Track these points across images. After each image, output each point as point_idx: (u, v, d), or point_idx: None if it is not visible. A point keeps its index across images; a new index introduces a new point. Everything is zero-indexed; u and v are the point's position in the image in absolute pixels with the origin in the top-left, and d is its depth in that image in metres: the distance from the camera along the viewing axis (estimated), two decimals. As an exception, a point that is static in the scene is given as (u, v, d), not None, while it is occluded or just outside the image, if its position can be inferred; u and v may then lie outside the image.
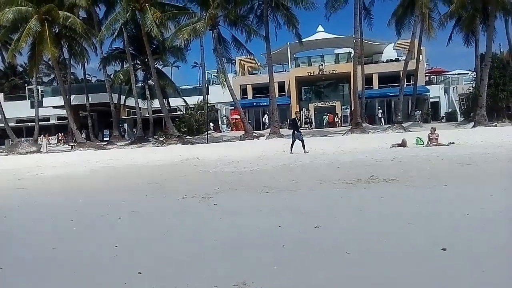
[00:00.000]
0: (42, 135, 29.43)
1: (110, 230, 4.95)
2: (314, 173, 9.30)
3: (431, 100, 38.71)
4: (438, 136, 15.65)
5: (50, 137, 35.57)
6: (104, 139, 36.82)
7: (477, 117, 23.45)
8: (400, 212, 4.98)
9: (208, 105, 33.81)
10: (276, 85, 29.86)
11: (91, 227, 5.16)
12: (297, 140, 15.68)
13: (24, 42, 24.77)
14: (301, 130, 17.47)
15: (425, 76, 40.60)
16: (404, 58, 39.17)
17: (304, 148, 15.34)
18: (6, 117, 30.44)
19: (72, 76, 40.83)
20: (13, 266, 3.72)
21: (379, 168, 9.29)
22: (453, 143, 15.51)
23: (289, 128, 18.74)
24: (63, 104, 29.25)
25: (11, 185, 10.58)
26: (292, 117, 17.55)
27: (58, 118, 43.05)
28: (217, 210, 5.79)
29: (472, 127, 22.98)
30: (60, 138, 38.94)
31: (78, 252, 4.08)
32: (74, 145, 29.00)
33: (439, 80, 44.12)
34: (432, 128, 16.40)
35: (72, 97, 33.01)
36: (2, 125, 30.81)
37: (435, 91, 38.93)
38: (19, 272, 3.57)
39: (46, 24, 25.19)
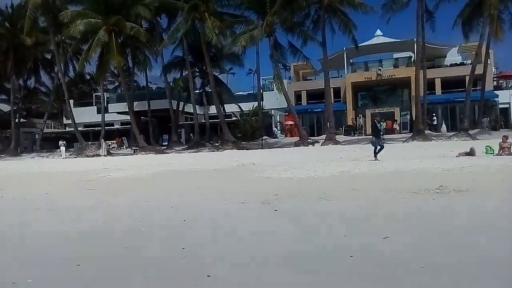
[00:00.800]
0: (102, 140, 31.22)
1: (176, 232, 5.08)
2: (376, 182, 8.96)
3: (501, 106, 36.08)
4: (510, 145, 14.50)
5: (109, 142, 37.85)
6: (163, 143, 38.36)
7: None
8: (475, 225, 4.63)
9: (263, 111, 34.07)
10: (331, 91, 29.40)
11: (159, 228, 5.35)
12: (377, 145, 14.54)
13: (94, 52, 26.56)
14: (382, 136, 16.39)
15: (494, 80, 37.99)
16: (469, 62, 37.11)
17: (376, 154, 14.39)
18: (75, 122, 32.76)
19: (134, 84, 43.08)
20: (87, 264, 3.92)
21: (447, 178, 8.74)
22: (528, 152, 14.28)
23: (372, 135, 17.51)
24: (127, 110, 30.90)
25: (81, 186, 11.28)
26: (373, 121, 16.44)
27: (122, 123, 45.55)
28: (279, 216, 5.75)
29: (549, 136, 21.05)
30: (116, 142, 40.79)
31: (148, 251, 4.23)
32: (136, 149, 30.49)
33: (509, 85, 41.04)
34: (504, 136, 15.22)
35: (134, 103, 34.80)
36: (72, 129, 33.21)
37: (505, 97, 36.24)
38: (94, 271, 3.75)
39: (113, 35, 26.85)
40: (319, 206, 6.37)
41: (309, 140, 26.59)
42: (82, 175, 14.74)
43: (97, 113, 42.03)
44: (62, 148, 30.16)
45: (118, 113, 40.58)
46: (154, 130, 38.92)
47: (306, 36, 26.36)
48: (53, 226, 5.87)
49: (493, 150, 14.85)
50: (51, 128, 50.23)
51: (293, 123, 32.54)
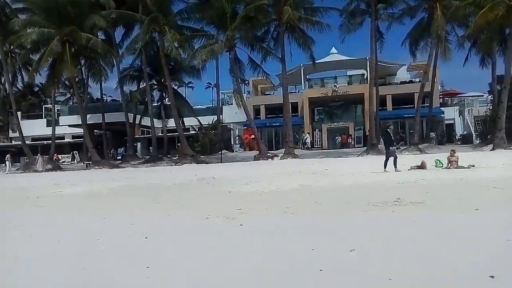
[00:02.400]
0: (39, 154, 29.44)
1: (139, 250, 4.87)
2: (337, 195, 9.15)
3: (446, 122, 38.43)
4: (458, 159, 15.38)
5: (60, 156, 35.80)
6: (118, 157, 37.15)
7: (496, 140, 23.12)
8: (437, 237, 4.82)
9: (222, 124, 34.01)
10: (289, 105, 29.94)
11: (120, 247, 5.10)
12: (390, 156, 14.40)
13: (46, 62, 25.41)
14: (396, 145, 15.98)
15: (440, 98, 40.45)
16: (417, 80, 39.34)
17: (395, 165, 14.36)
18: (23, 135, 30.97)
19: (88, 96, 41.61)
20: None
21: (402, 191, 9.09)
22: (474, 165, 15.18)
23: (384, 143, 16.71)
24: (80, 122, 29.70)
25: (31, 203, 10.60)
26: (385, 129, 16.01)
27: (73, 137, 43.69)
28: (245, 231, 5.68)
29: (491, 150, 22.63)
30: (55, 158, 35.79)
31: (110, 272, 4.01)
32: (89, 163, 29.25)
33: (454, 102, 43.89)
34: (452, 150, 16.12)
35: (88, 116, 33.50)
36: (19, 142, 31.35)
37: (449, 113, 38.72)
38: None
39: (67, 45, 25.87)
40: (284, 220, 6.37)
41: (268, 154, 26.80)
42: (31, 191, 13.91)
43: (47, 126, 40.09)
44: (8, 163, 28.28)
45: (70, 126, 38.91)
46: (109, 144, 37.65)
47: (266, 51, 26.81)
48: (1, 247, 5.44)
49: (442, 163, 15.64)
50: (-5, 141, 47.18)
51: (252, 137, 32.73)
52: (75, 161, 39.42)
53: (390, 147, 14.99)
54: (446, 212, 6.39)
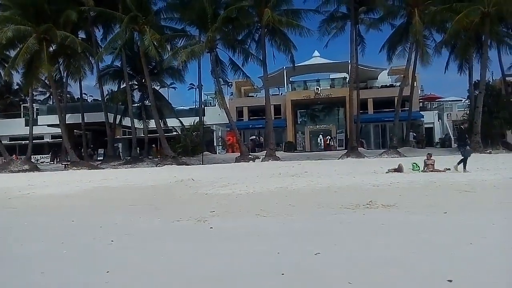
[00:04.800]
0: (14, 155, 28.29)
1: (102, 254, 4.76)
2: (312, 197, 9.16)
3: (425, 125, 39.07)
4: (434, 162, 15.60)
5: (38, 156, 34.89)
6: (98, 158, 36.56)
7: (472, 144, 23.56)
8: (402, 240, 4.86)
9: (204, 126, 33.83)
10: (272, 107, 30.02)
11: (83, 251, 4.97)
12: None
13: (22, 60, 24.82)
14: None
15: (419, 102, 41.12)
16: (398, 84, 39.94)
17: (465, 166, 14.03)
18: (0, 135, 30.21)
19: (68, 95, 40.85)
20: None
21: (377, 193, 9.17)
22: (449, 169, 15.42)
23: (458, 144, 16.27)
24: (58, 122, 29.10)
25: (1, 204, 10.32)
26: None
27: (52, 137, 42.82)
28: (213, 234, 5.63)
29: (467, 154, 23.04)
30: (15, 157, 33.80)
31: (68, 277, 3.90)
32: (67, 164, 28.68)
33: (433, 106, 44.70)
34: (428, 153, 16.35)
35: (67, 115, 32.85)
36: (-5, 142, 30.55)
37: (429, 117, 39.38)
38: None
39: (44, 43, 25.35)
40: (255, 223, 6.35)
41: (249, 156, 26.76)
42: (4, 192, 13.54)
43: (25, 126, 39.20)
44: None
45: (49, 125, 38.11)
46: (88, 144, 37.02)
47: (247, 53, 26.81)
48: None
49: (419, 166, 15.84)
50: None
51: (234, 138, 32.68)
52: (54, 162, 38.61)
53: (467, 147, 14.73)
54: (415, 215, 6.46)
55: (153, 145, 33.37)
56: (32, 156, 31.81)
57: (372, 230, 5.50)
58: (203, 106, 37.11)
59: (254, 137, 39.50)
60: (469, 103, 30.30)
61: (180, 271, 3.97)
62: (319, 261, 4.07)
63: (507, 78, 30.65)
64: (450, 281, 3.33)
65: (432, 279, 3.43)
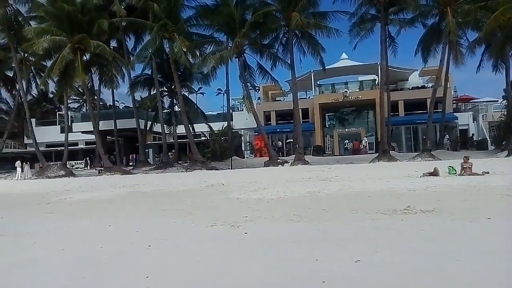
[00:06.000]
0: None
1: (140, 259, 4.82)
2: (345, 202, 8.98)
3: (460, 127, 37.74)
4: (471, 165, 15.02)
5: (73, 162, 35.74)
6: (130, 163, 37.38)
7: (511, 146, 22.60)
8: (446, 247, 4.66)
9: (232, 131, 33.99)
10: (300, 111, 29.81)
11: (121, 255, 5.05)
12: None
13: (58, 70, 25.76)
14: None
15: (453, 103, 39.82)
16: (429, 85, 38.85)
17: None
18: (37, 142, 31.39)
19: (101, 103, 42.08)
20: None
21: (413, 198, 8.89)
22: (488, 172, 14.80)
23: None
24: (92, 129, 29.97)
25: (40, 210, 10.68)
26: None
27: (86, 143, 44.17)
28: (248, 240, 5.59)
29: (506, 156, 22.12)
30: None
31: (108, 282, 3.95)
32: (101, 169, 29.47)
33: (468, 108, 43.16)
34: (465, 156, 15.75)
35: (100, 122, 33.84)
36: (33, 149, 31.78)
37: (463, 119, 38.00)
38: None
39: (78, 52, 26.25)
40: (289, 228, 6.27)
41: (278, 160, 26.64)
42: (42, 197, 14.04)
43: (61, 133, 40.63)
44: (18, 170, 28.47)
45: (83, 132, 39.34)
46: (121, 150, 37.96)
47: (275, 57, 26.79)
48: (5, 254, 5.44)
49: (455, 170, 15.29)
50: (10, 147, 47.91)
51: (262, 143, 32.68)
52: (88, 167, 39.80)
53: None
54: (456, 221, 6.21)
55: (172, 151, 33.66)
56: (67, 162, 32.87)
57: (412, 236, 5.32)
58: (231, 111, 37.33)
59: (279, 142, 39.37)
60: (506, 104, 29.03)
61: (219, 277, 3.95)
62: (360, 268, 3.95)
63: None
64: (504, 292, 3.15)
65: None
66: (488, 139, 34.45)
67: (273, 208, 8.76)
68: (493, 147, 29.73)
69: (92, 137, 35.66)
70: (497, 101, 40.62)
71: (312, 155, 33.24)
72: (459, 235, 5.27)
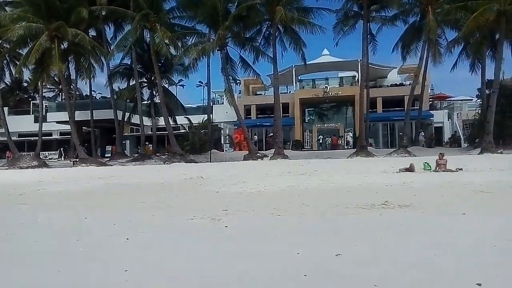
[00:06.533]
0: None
1: (118, 252, 4.71)
2: (324, 197, 9.06)
3: (435, 125, 38.66)
4: (446, 162, 15.41)
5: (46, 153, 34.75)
6: (106, 155, 36.68)
7: (484, 144, 23.27)
8: (424, 241, 4.74)
9: (212, 124, 33.78)
10: (280, 106, 29.87)
11: (99, 248, 4.93)
12: None
13: (34, 58, 24.91)
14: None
15: (429, 101, 40.69)
16: (407, 82, 39.55)
17: None
18: (9, 131, 30.39)
19: (77, 92, 41.03)
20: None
21: (390, 193, 9.04)
22: (461, 169, 15.24)
23: None
24: (67, 119, 29.22)
25: (13, 201, 10.35)
26: None
27: (61, 133, 43.10)
28: (229, 233, 5.56)
29: (478, 154, 22.78)
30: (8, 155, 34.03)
31: (86, 275, 3.85)
32: (76, 160, 28.80)
33: (443, 106, 44.21)
34: (440, 153, 16.16)
35: (76, 112, 32.97)
36: (5, 138, 30.77)
37: (438, 116, 38.94)
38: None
39: (55, 41, 25.45)
40: (270, 222, 6.26)
41: (258, 154, 26.65)
42: (15, 188, 13.61)
43: (34, 122, 39.48)
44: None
45: (58, 122, 38.35)
46: (97, 141, 37.17)
47: (258, 51, 26.67)
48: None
49: (430, 166, 15.66)
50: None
51: (242, 136, 32.62)
52: (62, 158, 38.86)
53: None
54: (433, 216, 6.34)
55: (147, 143, 33.18)
56: (40, 152, 31.98)
57: (391, 231, 5.39)
58: (211, 104, 37.04)
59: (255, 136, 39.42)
60: (480, 102, 29.86)
61: (200, 271, 3.90)
62: (341, 262, 3.98)
63: (519, 78, 30.24)
64: (480, 284, 3.22)
65: (460, 283, 3.33)
66: (462, 137, 35.46)
67: (253, 201, 8.75)
68: (466, 145, 30.60)
69: (67, 127, 34.79)
70: (472, 99, 41.80)
71: (291, 150, 33.43)
72: (436, 229, 5.38)
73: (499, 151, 22.85)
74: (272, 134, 37.86)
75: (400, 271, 3.64)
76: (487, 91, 27.00)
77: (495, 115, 23.70)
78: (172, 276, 3.74)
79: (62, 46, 27.32)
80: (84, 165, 26.52)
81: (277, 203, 8.07)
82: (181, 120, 34.42)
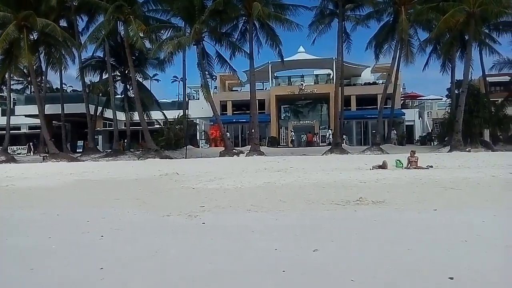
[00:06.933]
0: None
1: (93, 249, 4.61)
2: (301, 193, 9.14)
3: (406, 123, 39.68)
4: (417, 159, 15.85)
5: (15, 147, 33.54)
6: (78, 150, 35.74)
7: (453, 142, 24.08)
8: (397, 236, 4.87)
9: (188, 119, 33.44)
10: (256, 102, 29.90)
11: (72, 245, 4.81)
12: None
13: (1, 48, 23.94)
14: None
15: (401, 100, 41.69)
16: (381, 81, 40.38)
17: None
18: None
19: (47, 85, 39.71)
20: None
21: (365, 190, 9.22)
22: (432, 166, 15.72)
23: None
24: (37, 113, 28.27)
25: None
26: None
27: (30, 127, 41.67)
28: (207, 230, 5.53)
29: (448, 151, 23.55)
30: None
31: (60, 273, 3.75)
32: (45, 156, 27.92)
33: (414, 105, 45.41)
34: (412, 151, 16.61)
35: (46, 106, 31.93)
36: (-30, 132, 29.52)
37: (410, 115, 39.98)
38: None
39: (24, 31, 24.52)
40: (247, 218, 6.27)
41: (234, 151, 26.63)
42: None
43: (2, 116, 38.00)
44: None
45: (26, 116, 37.04)
46: (68, 136, 36.15)
47: (234, 46, 26.59)
48: None
49: (402, 163, 16.08)
50: None
51: (218, 132, 32.47)
52: (31, 153, 37.58)
53: None
54: (406, 212, 6.51)
55: (121, 139, 32.56)
56: (8, 147, 30.83)
57: (366, 226, 5.51)
58: (187, 99, 36.64)
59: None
60: (450, 102, 30.85)
61: (177, 267, 3.87)
62: (318, 257, 4.03)
63: (487, 78, 31.39)
64: (452, 278, 3.33)
65: (434, 276, 3.44)
66: (432, 135, 36.57)
67: (230, 198, 8.73)
68: (436, 143, 31.60)
69: (36, 121, 33.69)
70: (442, 99, 43.13)
71: (267, 146, 33.55)
72: (409, 225, 5.53)
73: (467, 150, 23.73)
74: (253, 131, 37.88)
75: (376, 266, 3.73)
76: (456, 91, 27.91)
77: (463, 114, 24.55)
78: (149, 274, 3.69)
79: (32, 37, 26.34)
80: (54, 160, 25.78)
81: (254, 200, 8.10)
82: (156, 115, 33.92)
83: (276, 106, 39.98)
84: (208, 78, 29.92)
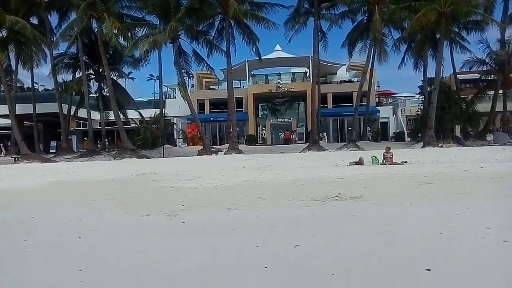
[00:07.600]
0: None
1: (70, 251, 4.52)
2: (280, 190, 9.21)
3: (381, 120, 40.50)
4: (392, 155, 16.22)
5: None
6: (51, 151, 34.78)
7: (426, 138, 24.75)
8: (376, 231, 4.98)
9: (164, 118, 33.07)
10: (234, 100, 29.86)
11: (49, 247, 4.69)
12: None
13: (-33, 46, 23.03)
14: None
15: (376, 97, 42.51)
16: (356, 79, 41.08)
17: None
18: None
19: (18, 84, 38.41)
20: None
21: (342, 186, 9.37)
22: (406, 162, 16.12)
23: None
24: (7, 113, 27.35)
25: None
26: None
27: (0, 128, 40.24)
28: (187, 229, 5.51)
29: (421, 147, 24.19)
30: None
31: (37, 277, 3.65)
32: (17, 157, 27.05)
33: (388, 102, 46.38)
34: (387, 147, 16.98)
35: (17, 105, 30.89)
36: None
37: (384, 112, 40.85)
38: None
39: (-8, 28, 23.70)
40: (228, 216, 6.28)
41: (212, 149, 26.55)
42: None
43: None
44: None
45: (-5, 116, 35.72)
46: (40, 136, 35.12)
47: (211, 45, 26.46)
48: None
49: (378, 159, 16.42)
50: None
51: (195, 131, 32.25)
52: (2, 154, 36.31)
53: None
54: (383, 207, 6.66)
55: (85, 138, 31.81)
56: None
57: (345, 221, 5.60)
58: (163, 98, 36.21)
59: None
60: (423, 99, 31.68)
61: (158, 267, 3.83)
62: (300, 253, 4.08)
63: (458, 76, 32.38)
64: (429, 270, 3.44)
65: (412, 269, 3.54)
66: (405, 131, 37.47)
67: (209, 196, 8.71)
68: (410, 139, 32.39)
69: (6, 121, 32.60)
70: (414, 96, 44.20)
71: (245, 144, 33.60)
72: (386, 219, 5.66)
73: (440, 145, 24.44)
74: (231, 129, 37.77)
75: (356, 260, 3.81)
76: (428, 88, 28.68)
77: (436, 111, 25.25)
78: (129, 274, 3.65)
79: (1, 34, 25.43)
80: (26, 161, 25.02)
81: (233, 198, 8.10)
82: (132, 114, 33.39)
83: (254, 104, 40.07)
84: (185, 76, 29.72)
